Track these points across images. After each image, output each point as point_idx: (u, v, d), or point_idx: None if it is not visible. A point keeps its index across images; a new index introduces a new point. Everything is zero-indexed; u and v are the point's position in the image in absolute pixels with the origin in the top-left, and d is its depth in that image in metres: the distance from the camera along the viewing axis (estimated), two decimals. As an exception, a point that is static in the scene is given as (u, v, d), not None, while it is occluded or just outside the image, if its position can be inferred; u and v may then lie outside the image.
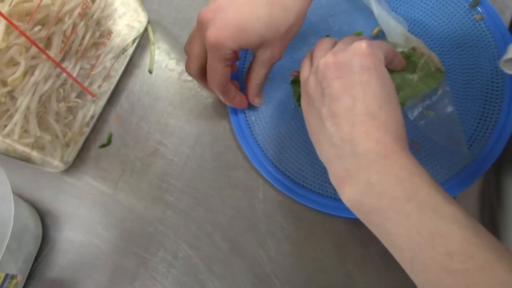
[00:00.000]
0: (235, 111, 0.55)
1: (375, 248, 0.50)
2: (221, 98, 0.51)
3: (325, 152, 0.40)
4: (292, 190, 0.51)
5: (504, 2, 0.56)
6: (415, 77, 0.50)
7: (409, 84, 0.50)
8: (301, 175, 0.52)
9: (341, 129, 0.38)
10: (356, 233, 0.51)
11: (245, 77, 0.53)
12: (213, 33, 0.43)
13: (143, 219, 0.54)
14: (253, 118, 0.55)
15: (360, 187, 0.36)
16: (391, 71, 0.48)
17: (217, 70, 0.46)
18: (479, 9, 0.54)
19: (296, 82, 0.55)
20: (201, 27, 0.44)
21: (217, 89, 0.49)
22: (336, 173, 0.38)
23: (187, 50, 0.49)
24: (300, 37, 0.52)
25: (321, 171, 0.52)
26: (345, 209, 0.49)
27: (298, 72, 0.52)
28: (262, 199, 0.53)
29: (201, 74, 0.49)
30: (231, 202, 0.53)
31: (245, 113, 0.55)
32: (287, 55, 0.50)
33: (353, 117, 0.37)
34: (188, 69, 0.49)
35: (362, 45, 0.39)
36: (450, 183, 0.49)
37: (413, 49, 0.51)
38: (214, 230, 0.53)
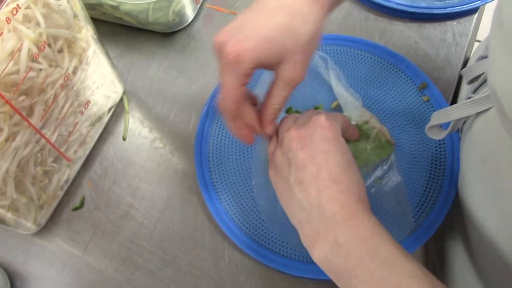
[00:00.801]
0: (202, 175, 0.58)
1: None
2: (228, 124, 0.46)
3: (296, 216, 0.43)
4: (255, 251, 0.54)
5: (446, 83, 0.63)
6: (367, 147, 0.55)
7: (362, 153, 0.55)
8: (264, 237, 0.55)
9: (309, 194, 0.41)
10: (316, 293, 0.54)
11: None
12: (234, 47, 0.40)
13: (112, 281, 0.56)
14: (219, 181, 0.58)
15: (329, 247, 0.39)
16: (346, 140, 0.52)
17: (232, 89, 0.42)
18: (427, 91, 0.60)
19: None
20: (219, 49, 0.42)
21: (227, 111, 0.44)
22: (307, 235, 0.42)
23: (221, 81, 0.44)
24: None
25: (284, 233, 0.54)
26: (306, 269, 0.52)
27: None
28: (227, 261, 0.55)
29: (234, 111, 0.45)
30: (197, 263, 0.56)
31: (211, 174, 0.58)
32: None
33: (319, 183, 0.41)
34: (222, 102, 0.44)
35: (321, 118, 0.44)
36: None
37: (366, 122, 0.56)
38: (180, 291, 0.55)
